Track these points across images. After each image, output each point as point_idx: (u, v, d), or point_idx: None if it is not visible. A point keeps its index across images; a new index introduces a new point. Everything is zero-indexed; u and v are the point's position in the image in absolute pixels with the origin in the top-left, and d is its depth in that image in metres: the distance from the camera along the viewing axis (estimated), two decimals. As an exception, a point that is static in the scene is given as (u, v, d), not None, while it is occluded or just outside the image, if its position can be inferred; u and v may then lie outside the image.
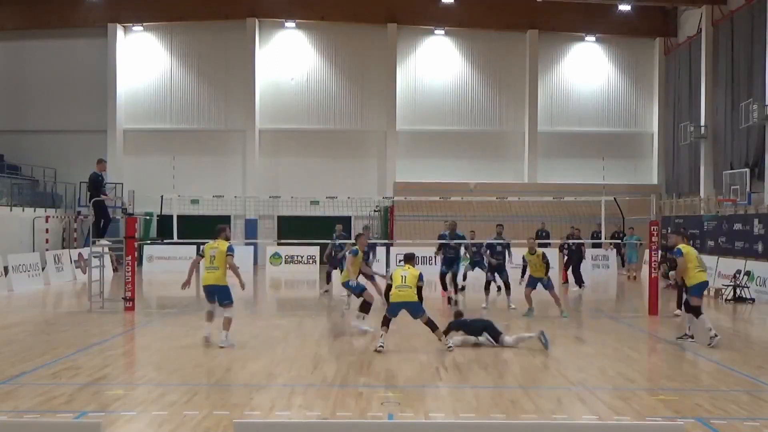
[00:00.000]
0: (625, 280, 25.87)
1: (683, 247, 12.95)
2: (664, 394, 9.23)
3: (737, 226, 24.25)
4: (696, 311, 12.57)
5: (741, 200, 25.27)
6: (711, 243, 25.82)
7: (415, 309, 11.89)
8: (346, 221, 30.72)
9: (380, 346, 11.72)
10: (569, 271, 22.75)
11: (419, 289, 11.98)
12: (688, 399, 8.94)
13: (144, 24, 33.40)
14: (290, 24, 33.33)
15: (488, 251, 18.08)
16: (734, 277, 19.95)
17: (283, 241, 29.66)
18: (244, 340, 13.05)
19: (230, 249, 12.26)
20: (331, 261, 19.50)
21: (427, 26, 33.56)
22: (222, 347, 11.90)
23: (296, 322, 15.29)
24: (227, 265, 12.13)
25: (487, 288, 17.79)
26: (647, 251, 18.17)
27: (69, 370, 10.30)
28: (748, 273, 20.11)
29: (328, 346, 12.49)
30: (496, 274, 18.01)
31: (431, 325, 11.93)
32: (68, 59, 33.17)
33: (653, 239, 16.97)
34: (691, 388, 9.66)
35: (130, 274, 16.45)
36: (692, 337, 12.78)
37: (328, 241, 20.26)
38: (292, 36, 33.62)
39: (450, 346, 11.83)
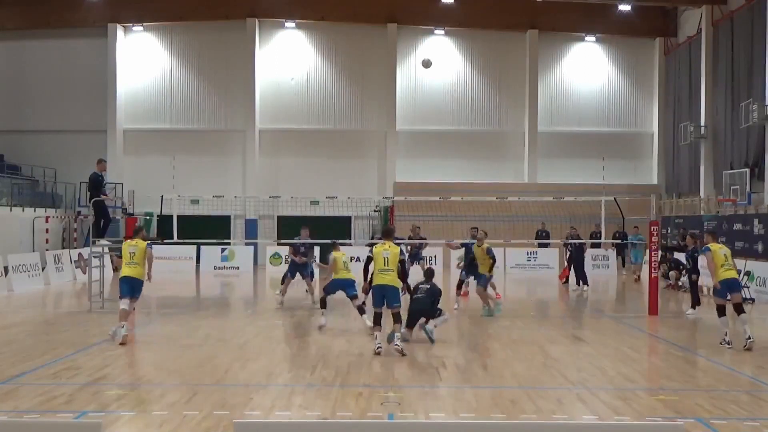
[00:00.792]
0: (625, 280, 25.84)
1: (712, 245, 12.88)
2: (664, 394, 9.23)
3: (737, 226, 24.24)
4: (718, 311, 12.57)
5: (741, 200, 25.26)
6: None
7: (395, 297, 11.65)
8: (346, 221, 30.79)
9: (378, 346, 11.50)
10: (571, 271, 22.45)
11: (402, 263, 11.83)
12: (688, 399, 8.94)
13: (144, 24, 33.40)
14: (290, 24, 33.33)
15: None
16: (734, 277, 19.91)
17: (283, 241, 29.61)
18: (244, 340, 13.06)
19: (149, 245, 13.59)
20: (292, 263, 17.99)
21: (427, 26, 33.56)
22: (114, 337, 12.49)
23: (296, 322, 15.29)
24: (146, 256, 13.25)
25: (459, 287, 17.46)
26: (647, 251, 18.16)
27: (69, 370, 10.30)
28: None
29: (328, 346, 12.49)
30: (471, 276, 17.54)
31: (397, 318, 11.62)
32: (68, 59, 33.16)
33: (653, 239, 16.97)
34: (691, 388, 9.66)
35: (130, 274, 16.42)
36: (729, 343, 12.39)
37: (328, 241, 20.11)
38: (292, 36, 33.63)
39: (397, 346, 11.37)
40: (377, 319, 11.69)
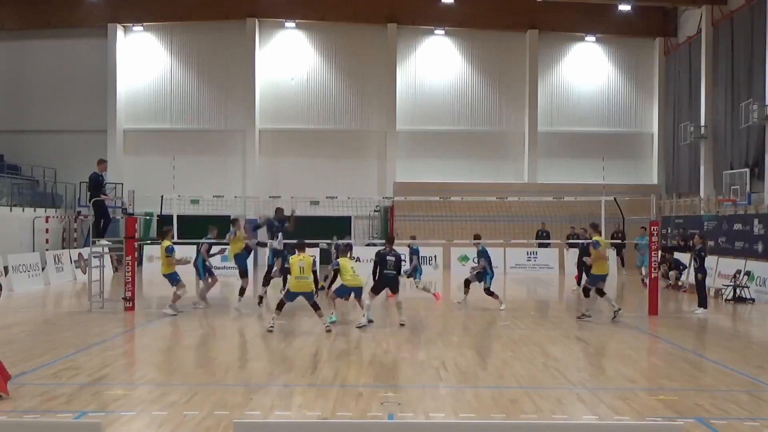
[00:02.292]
0: (625, 280, 25.79)
1: (599, 239, 15.49)
2: (664, 394, 9.23)
3: (737, 226, 24.24)
4: (600, 292, 15.44)
5: (741, 200, 25.26)
6: (711, 243, 25.76)
7: (309, 297, 13.58)
8: (346, 221, 30.77)
9: (271, 326, 13.34)
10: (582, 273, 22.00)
11: (315, 273, 14.13)
12: (688, 399, 8.94)
13: (144, 24, 33.41)
14: (290, 24, 33.33)
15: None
16: (734, 277, 19.93)
17: (283, 241, 29.57)
18: (244, 340, 13.06)
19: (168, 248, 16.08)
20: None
21: (427, 26, 33.56)
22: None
23: (296, 322, 15.28)
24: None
25: (466, 285, 17.46)
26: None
27: (69, 370, 10.30)
28: (748, 273, 20.07)
29: (328, 346, 12.49)
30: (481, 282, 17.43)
31: (315, 307, 13.53)
32: (68, 59, 33.18)
33: (653, 239, 16.97)
34: (691, 388, 9.66)
35: (130, 274, 16.46)
36: (590, 315, 15.31)
37: (328, 241, 20.17)
38: (292, 36, 33.63)
39: (329, 327, 13.47)
40: (281, 305, 13.53)
